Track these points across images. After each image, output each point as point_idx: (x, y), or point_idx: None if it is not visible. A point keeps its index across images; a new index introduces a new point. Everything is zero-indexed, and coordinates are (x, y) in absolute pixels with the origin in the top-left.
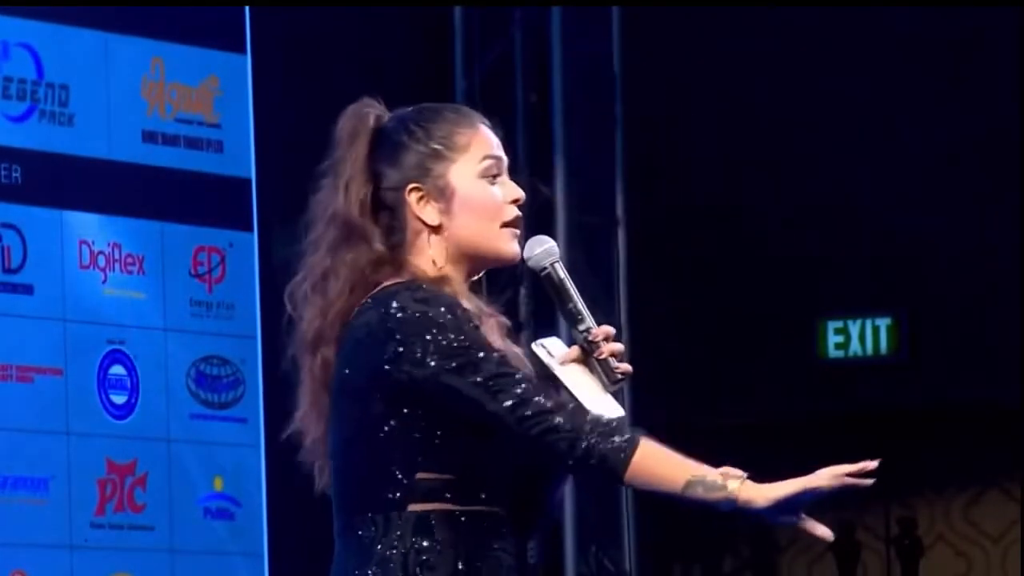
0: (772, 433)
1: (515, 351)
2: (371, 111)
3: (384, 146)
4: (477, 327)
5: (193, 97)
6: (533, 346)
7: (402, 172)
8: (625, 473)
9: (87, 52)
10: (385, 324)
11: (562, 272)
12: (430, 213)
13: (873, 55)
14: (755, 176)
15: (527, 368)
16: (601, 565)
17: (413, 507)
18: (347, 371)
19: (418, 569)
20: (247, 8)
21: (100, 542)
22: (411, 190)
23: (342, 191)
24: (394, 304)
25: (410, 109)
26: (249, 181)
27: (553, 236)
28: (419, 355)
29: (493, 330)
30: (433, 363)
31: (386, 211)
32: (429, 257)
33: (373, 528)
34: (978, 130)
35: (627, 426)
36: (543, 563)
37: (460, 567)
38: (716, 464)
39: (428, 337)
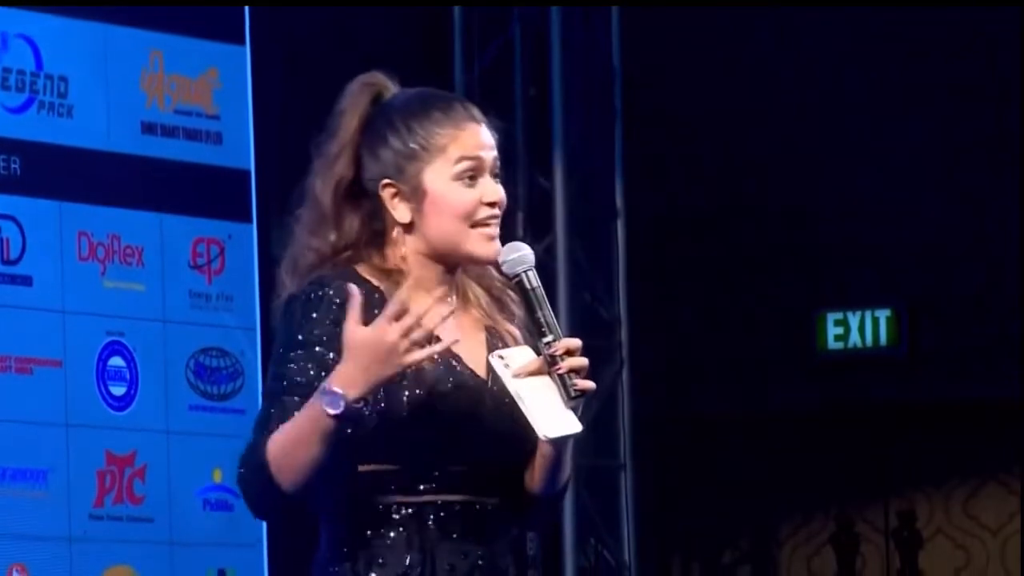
0: (773, 425)
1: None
2: (371, 89)
3: (370, 134)
4: (309, 341)
5: (192, 89)
6: (490, 358)
7: (379, 166)
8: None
9: (86, 44)
10: (280, 308)
11: (535, 281)
12: (402, 211)
13: (872, 50)
14: (755, 169)
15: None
16: (600, 557)
17: (365, 499)
18: None
19: (366, 566)
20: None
21: (99, 534)
22: (384, 186)
23: (324, 172)
24: (287, 296)
25: (403, 98)
26: (248, 172)
27: (552, 229)
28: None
29: (445, 329)
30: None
31: (366, 200)
32: (399, 252)
33: (329, 522)
34: (977, 124)
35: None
36: (541, 555)
37: (411, 561)
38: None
39: (281, 329)
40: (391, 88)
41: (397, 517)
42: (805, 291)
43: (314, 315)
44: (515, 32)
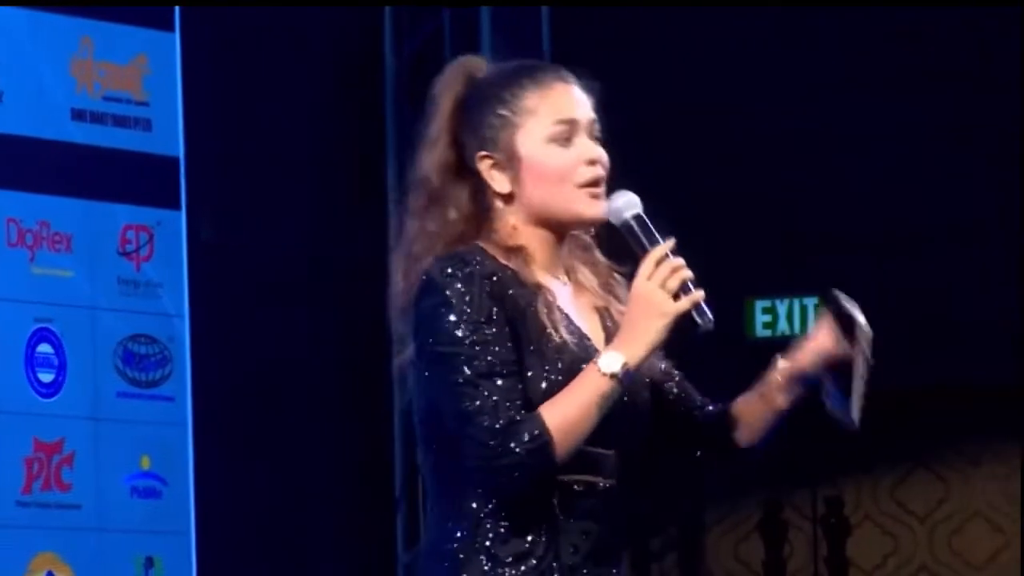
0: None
1: (565, 338)
2: (463, 69)
3: (466, 111)
4: (486, 319)
5: (121, 75)
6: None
7: (476, 141)
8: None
9: (15, 30)
10: (416, 294)
11: (647, 220)
12: (500, 181)
13: (818, 38)
14: (686, 160)
15: (568, 353)
16: None
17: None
18: (411, 336)
19: (489, 543)
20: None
21: (26, 520)
22: (481, 158)
23: (426, 153)
24: (426, 276)
25: (494, 70)
26: (177, 160)
27: None
28: (425, 331)
29: (549, 308)
30: (430, 343)
31: (472, 177)
32: (509, 223)
33: (449, 503)
34: (910, 114)
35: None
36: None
37: (534, 539)
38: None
39: (433, 316)
40: (483, 68)
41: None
42: (734, 278)
43: (471, 294)
44: (445, 19)
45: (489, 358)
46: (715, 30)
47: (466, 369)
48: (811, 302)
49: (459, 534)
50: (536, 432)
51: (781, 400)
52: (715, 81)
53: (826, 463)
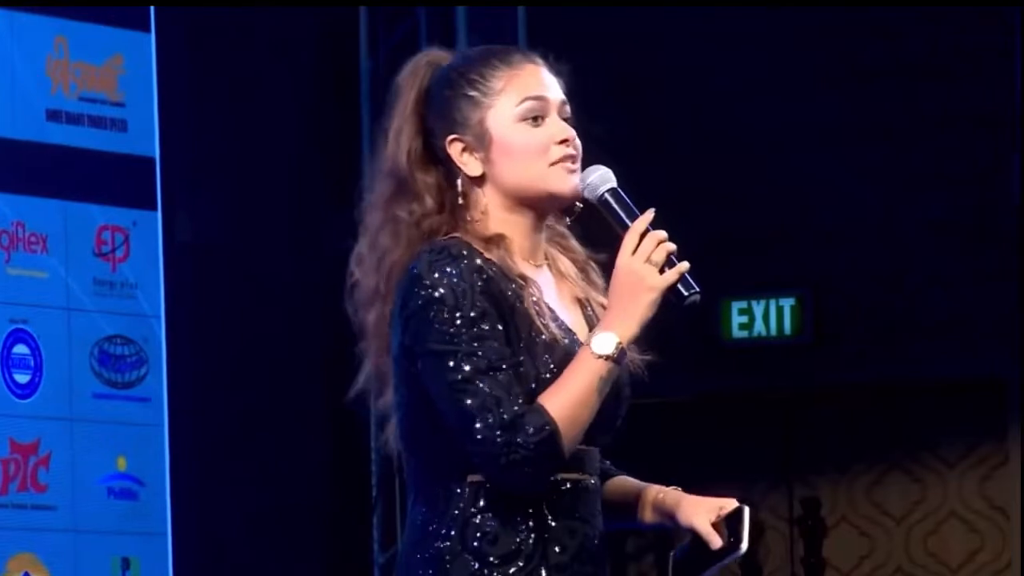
0: (678, 413)
1: (554, 332)
2: (428, 60)
3: (433, 97)
4: (480, 314)
5: (97, 76)
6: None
7: (445, 124)
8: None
9: None
10: (403, 288)
11: (623, 195)
12: (472, 164)
13: (778, 37)
14: (657, 159)
15: (558, 351)
16: None
17: (472, 478)
18: (392, 344)
19: (476, 543)
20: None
21: (2, 522)
22: (452, 141)
23: (392, 142)
24: (414, 270)
25: (460, 56)
26: (153, 160)
27: None
28: (416, 328)
29: (537, 301)
30: (424, 341)
31: (441, 166)
32: (483, 210)
33: (434, 502)
34: (881, 111)
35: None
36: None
37: (522, 538)
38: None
39: (425, 313)
40: (447, 59)
41: (509, 494)
42: (710, 279)
43: (463, 288)
44: (420, 17)
45: (487, 354)
46: (694, 30)
47: (465, 366)
48: (787, 303)
49: (445, 534)
50: (543, 423)
51: (647, 517)
52: (694, 81)
53: (803, 465)
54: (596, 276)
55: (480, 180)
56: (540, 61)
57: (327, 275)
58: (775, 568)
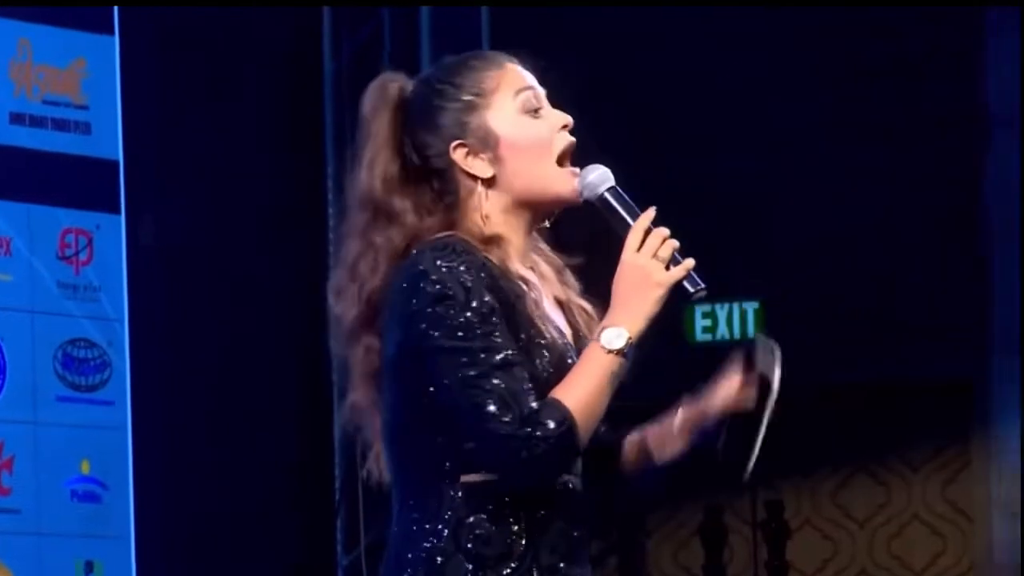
0: (641, 416)
1: (552, 334)
2: (393, 83)
3: (417, 114)
4: (489, 310)
5: (61, 79)
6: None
7: (442, 134)
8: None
9: None
10: (406, 287)
11: (623, 193)
12: (480, 166)
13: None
14: (623, 161)
15: (550, 351)
16: None
17: (465, 479)
18: (388, 346)
19: (470, 544)
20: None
21: None
22: (456, 147)
23: (366, 171)
24: (419, 267)
25: (431, 69)
26: (117, 163)
27: None
28: (424, 325)
29: (536, 302)
30: (434, 336)
31: (435, 178)
32: (481, 215)
33: (425, 503)
34: (840, 112)
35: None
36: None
37: (515, 539)
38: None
39: (434, 309)
40: (404, 79)
41: (502, 495)
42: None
43: (471, 284)
44: (384, 19)
45: (499, 350)
46: (658, 31)
47: (478, 363)
48: (751, 306)
49: (437, 535)
50: (562, 417)
51: (676, 446)
52: (659, 83)
53: (767, 468)
54: (571, 279)
55: (489, 182)
56: (516, 60)
57: (290, 277)
58: (738, 572)
